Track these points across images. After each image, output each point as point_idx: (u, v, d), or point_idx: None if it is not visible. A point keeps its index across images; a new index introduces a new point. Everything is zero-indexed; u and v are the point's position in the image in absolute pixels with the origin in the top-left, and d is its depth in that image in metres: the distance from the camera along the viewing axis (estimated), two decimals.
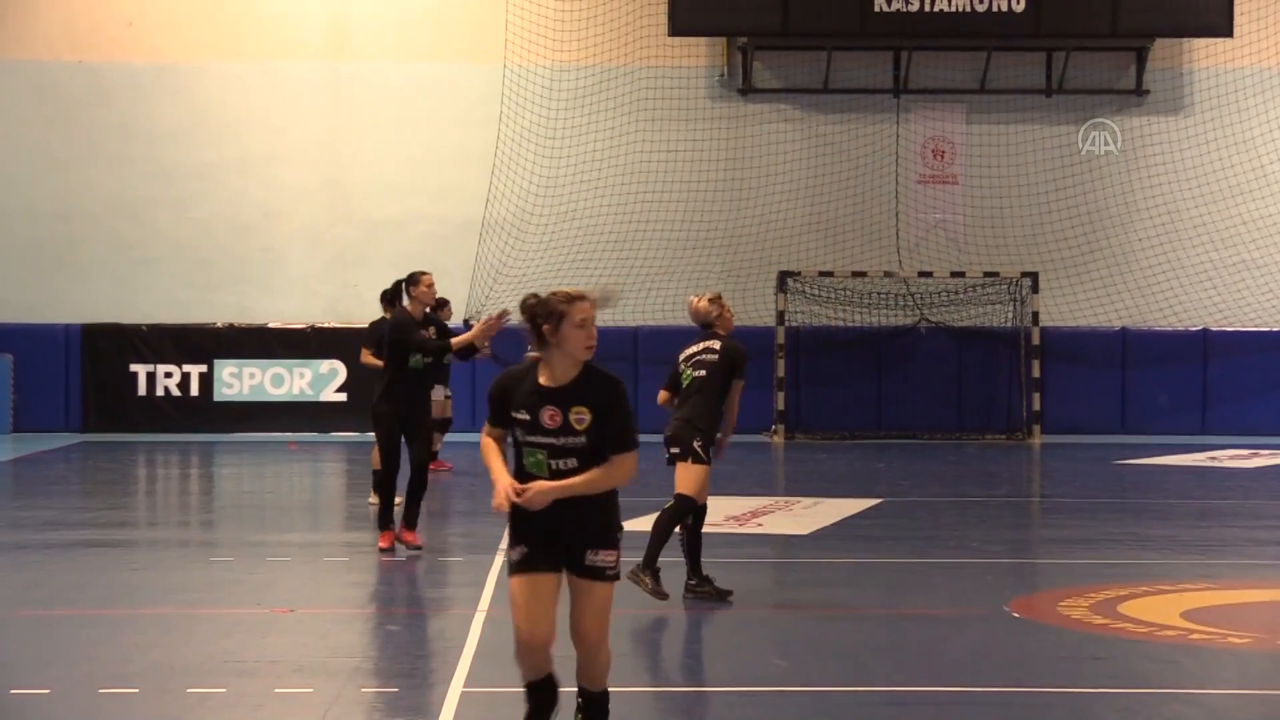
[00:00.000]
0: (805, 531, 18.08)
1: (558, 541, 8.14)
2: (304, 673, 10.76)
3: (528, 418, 8.12)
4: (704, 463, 13.38)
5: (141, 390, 32.41)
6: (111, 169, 33.00)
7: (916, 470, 26.45)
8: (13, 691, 10.34)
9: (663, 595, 13.22)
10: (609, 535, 8.23)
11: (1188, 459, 27.86)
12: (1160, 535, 18.54)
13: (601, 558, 8.17)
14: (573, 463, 8.09)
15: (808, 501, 20.97)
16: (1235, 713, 10.22)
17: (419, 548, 16.15)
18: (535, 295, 8.18)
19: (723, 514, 19.26)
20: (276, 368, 32.04)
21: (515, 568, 8.22)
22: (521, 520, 8.16)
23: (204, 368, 32.47)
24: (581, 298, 8.13)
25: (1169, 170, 33.50)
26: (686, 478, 13.33)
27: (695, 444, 13.35)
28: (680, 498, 13.34)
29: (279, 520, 19.77)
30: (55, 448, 29.44)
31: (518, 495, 8.06)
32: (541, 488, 8.05)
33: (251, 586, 14.42)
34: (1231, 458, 28.18)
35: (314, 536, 18.04)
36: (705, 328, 13.81)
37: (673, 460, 13.41)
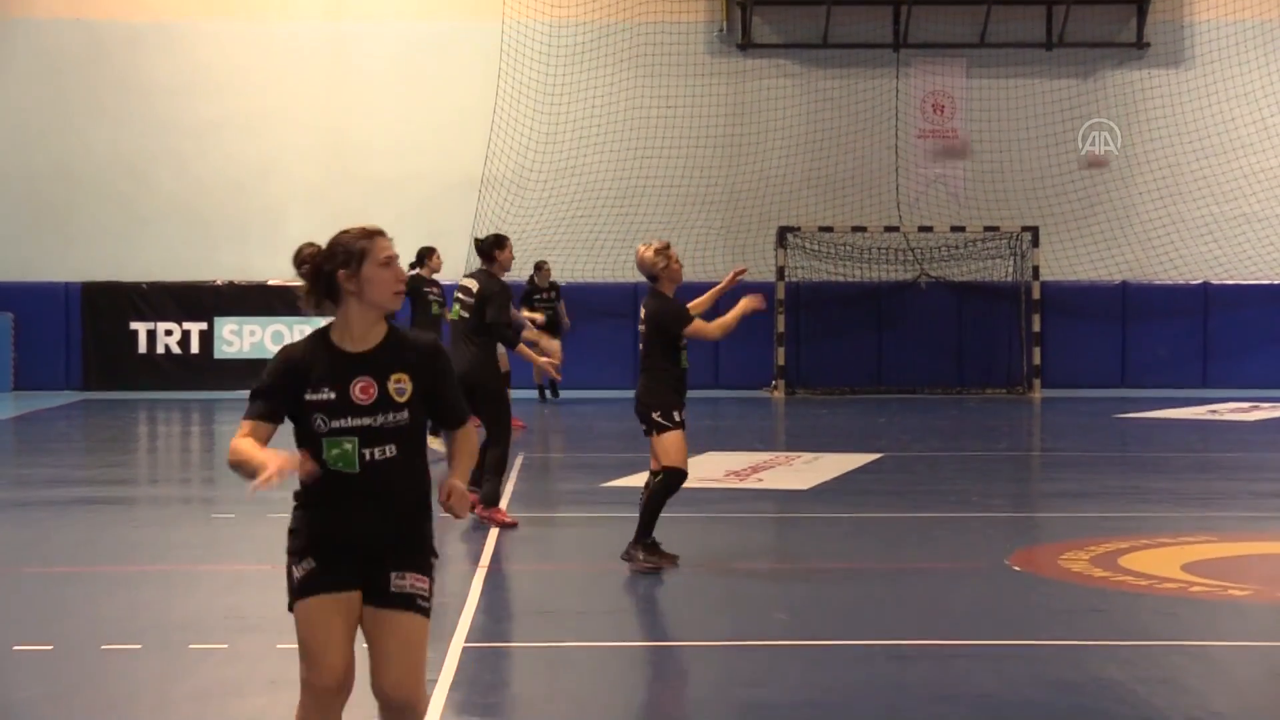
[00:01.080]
0: (806, 486, 18.08)
1: (355, 556, 6.41)
2: None
3: (332, 396, 6.37)
4: (671, 428, 12.74)
5: (142, 348, 32.42)
6: (111, 127, 32.93)
7: (917, 425, 26.46)
8: (15, 648, 10.37)
9: (671, 559, 13.00)
10: (423, 557, 6.49)
11: (1188, 412, 27.86)
12: (1160, 488, 18.56)
13: (411, 582, 6.40)
14: (391, 450, 6.38)
15: (808, 456, 20.98)
16: (1236, 665, 10.24)
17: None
18: (312, 244, 6.58)
19: (723, 469, 19.29)
20: (277, 324, 32.04)
21: (304, 588, 6.41)
22: (309, 525, 6.47)
23: (204, 325, 32.48)
24: (381, 233, 6.53)
25: (1169, 124, 33.44)
26: (663, 449, 12.77)
27: (654, 416, 12.75)
28: (667, 470, 12.81)
29: None
30: (56, 405, 29.46)
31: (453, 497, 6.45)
32: (458, 488, 6.48)
33: (253, 544, 14.44)
34: (1232, 411, 28.19)
35: None
36: (652, 280, 12.95)
37: (647, 434, 13.05)
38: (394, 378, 6.42)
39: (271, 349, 31.78)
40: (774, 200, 33.21)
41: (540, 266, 29.20)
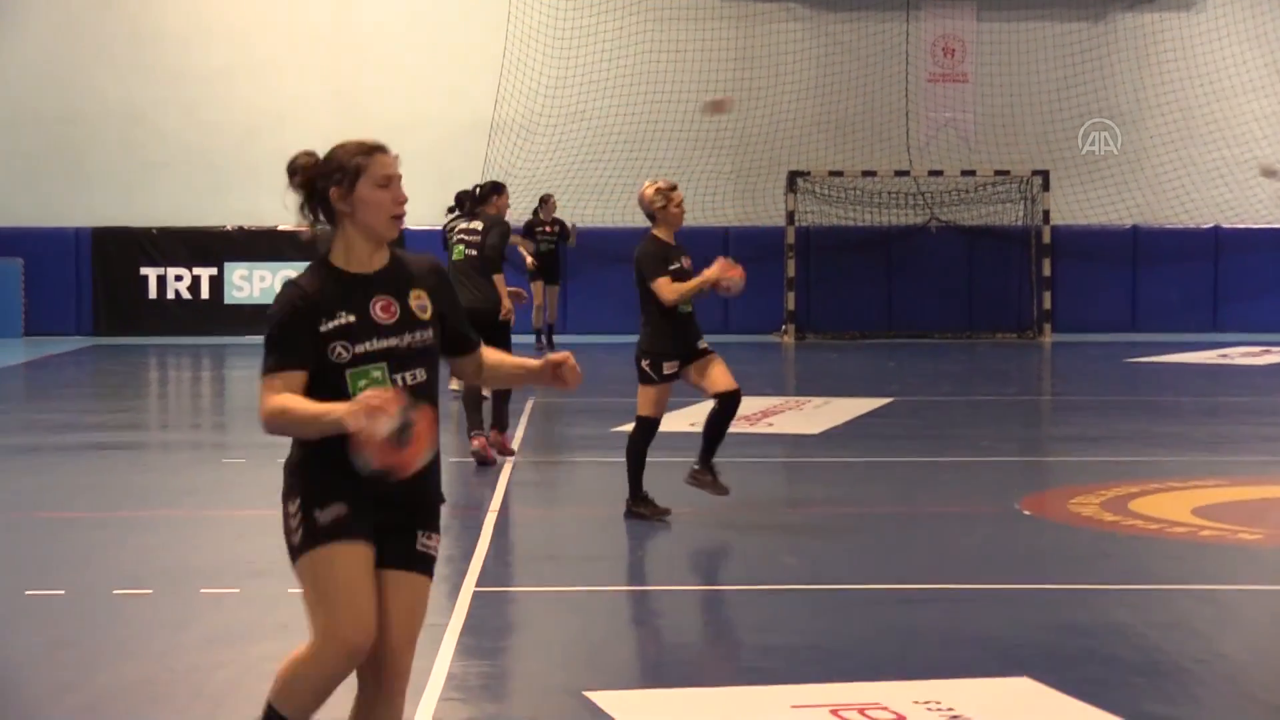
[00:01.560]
0: (816, 431, 18.08)
1: (385, 507, 5.85)
2: None
3: (352, 319, 5.81)
4: (651, 382, 12.56)
5: (152, 293, 32.41)
6: (120, 73, 32.85)
7: (927, 369, 26.46)
8: (28, 593, 10.40)
9: (663, 511, 12.85)
10: (437, 515, 6.03)
11: (1199, 357, 27.82)
12: (1171, 433, 18.55)
13: (435, 543, 5.98)
14: (421, 375, 5.88)
15: (818, 401, 20.97)
16: (1244, 608, 10.25)
17: (511, 452, 16.08)
18: (310, 152, 5.98)
19: None
20: (287, 270, 31.98)
21: (334, 531, 5.78)
22: (332, 464, 5.70)
23: (214, 270, 32.48)
24: (381, 148, 5.93)
25: (1181, 67, 33.29)
26: (640, 399, 12.66)
27: (643, 364, 12.59)
28: (638, 419, 12.71)
29: None
30: (66, 351, 29.47)
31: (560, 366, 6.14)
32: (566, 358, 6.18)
33: (264, 488, 14.39)
34: (1243, 355, 28.15)
35: None
36: (650, 219, 12.79)
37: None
38: (413, 294, 5.91)
39: None
40: (784, 145, 33.11)
41: (545, 200, 29.15)
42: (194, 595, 10.31)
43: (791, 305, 32.10)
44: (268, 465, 15.44)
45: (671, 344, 12.56)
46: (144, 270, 32.40)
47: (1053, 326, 32.21)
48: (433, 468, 5.87)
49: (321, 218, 5.96)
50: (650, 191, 12.77)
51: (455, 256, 16.15)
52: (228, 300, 32.38)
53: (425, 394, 5.87)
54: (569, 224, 29.74)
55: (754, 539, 12.33)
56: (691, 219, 29.53)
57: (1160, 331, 32.29)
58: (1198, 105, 33.27)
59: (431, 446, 5.72)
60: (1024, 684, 8.27)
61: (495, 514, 13.07)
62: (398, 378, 5.81)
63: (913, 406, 20.90)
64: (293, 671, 5.91)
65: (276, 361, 5.79)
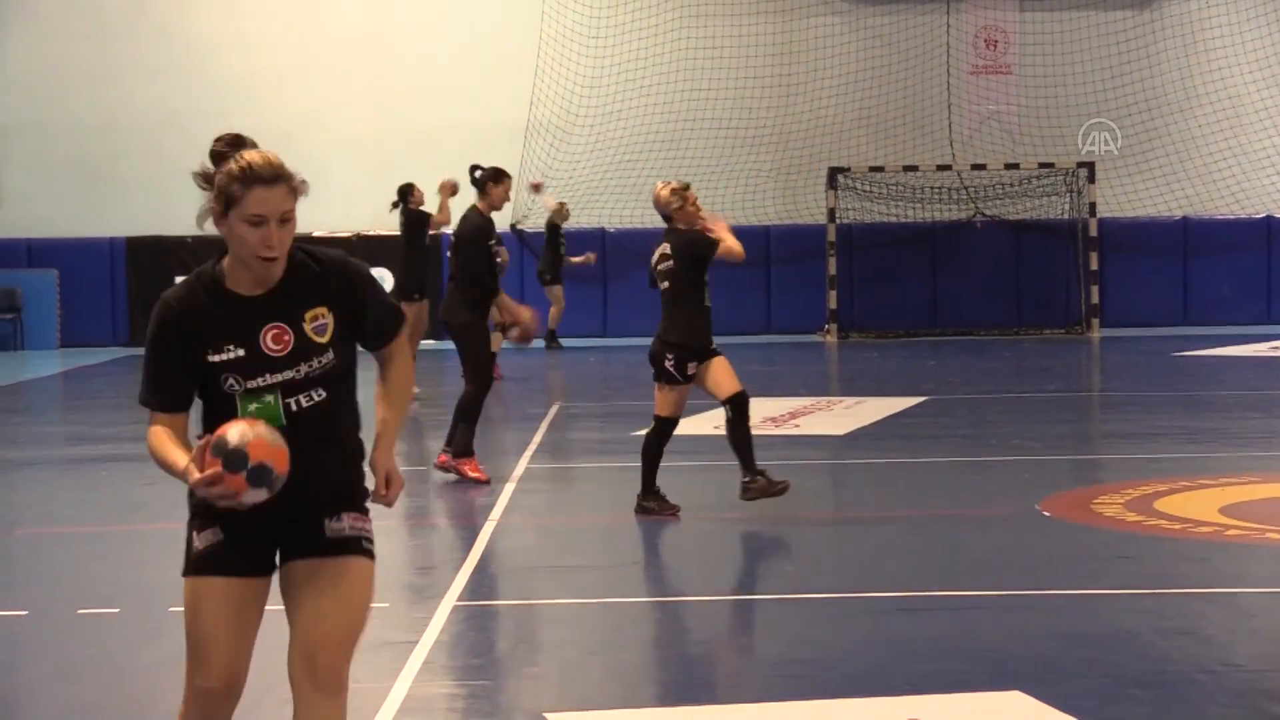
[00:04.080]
0: (842, 432, 17.57)
1: (277, 523, 5.36)
2: None
3: (242, 353, 5.30)
4: (675, 382, 12.47)
5: None
6: (152, 80, 32.60)
7: (968, 367, 25.90)
8: None
9: (673, 508, 12.60)
10: (353, 497, 5.44)
11: (1250, 350, 27.17)
12: (1210, 428, 17.98)
13: (349, 523, 5.40)
14: (320, 394, 5.34)
15: (850, 401, 20.46)
16: (1264, 613, 9.66)
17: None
18: (238, 136, 5.48)
19: (760, 415, 18.72)
20: None
21: (201, 563, 5.36)
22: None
23: None
24: (265, 180, 5.27)
25: (1230, 53, 32.62)
26: (660, 400, 12.55)
27: (666, 363, 12.49)
28: (657, 419, 12.61)
29: None
30: (99, 362, 29.21)
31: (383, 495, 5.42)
32: (390, 468, 5.43)
33: None
34: None
35: None
36: (667, 220, 12.79)
37: (655, 379, 12.70)
38: (309, 315, 5.33)
39: None
40: (824, 141, 32.58)
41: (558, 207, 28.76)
42: (161, 614, 9.84)
43: (834, 304, 31.56)
44: None
45: (699, 340, 12.48)
46: (179, 279, 31.88)
47: (1101, 321, 31.59)
48: (328, 462, 5.38)
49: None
50: (665, 193, 12.74)
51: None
52: None
53: (324, 412, 5.37)
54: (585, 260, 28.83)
55: (756, 546, 11.88)
56: (732, 218, 29.16)
57: (1212, 324, 31.62)
58: (1247, 92, 32.60)
59: (296, 463, 5.19)
60: (1014, 698, 7.75)
61: (493, 524, 12.60)
62: (291, 402, 5.32)
63: (946, 405, 20.35)
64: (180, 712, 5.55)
65: (156, 402, 5.43)
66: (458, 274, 14.78)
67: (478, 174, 15.13)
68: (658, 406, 12.59)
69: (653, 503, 12.60)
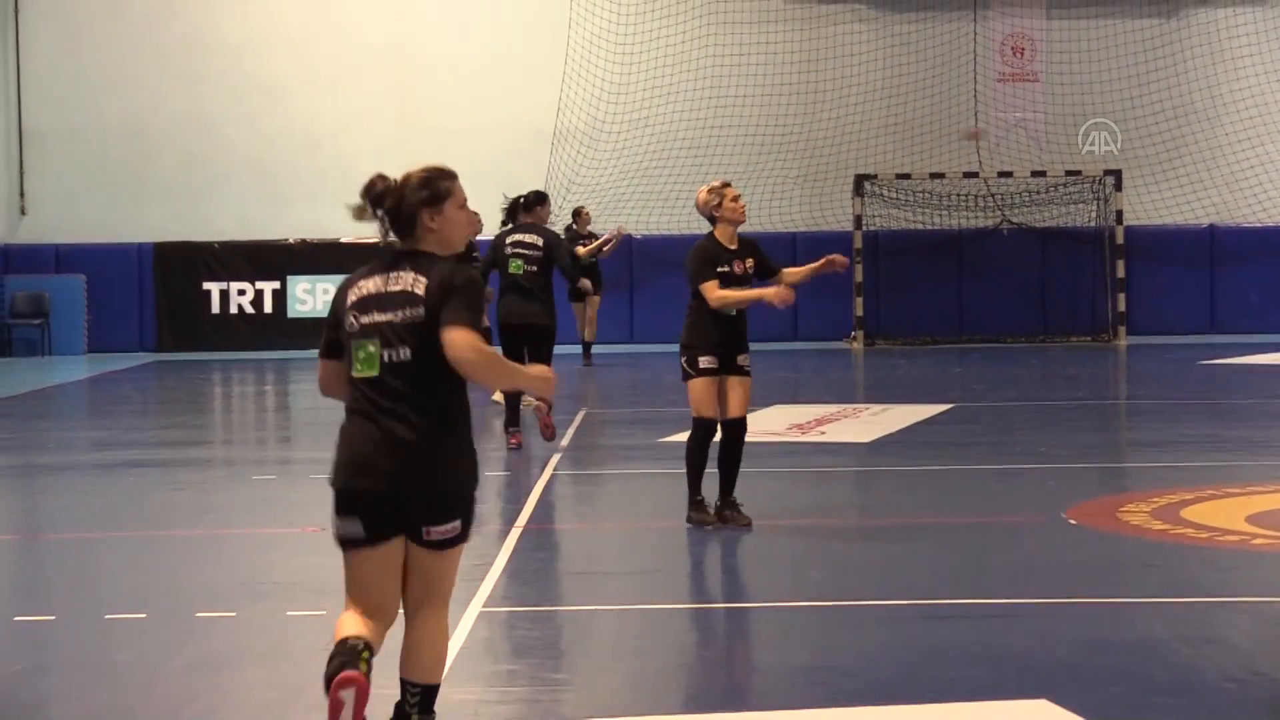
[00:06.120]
0: (868, 439, 17.55)
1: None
2: (321, 594, 10.20)
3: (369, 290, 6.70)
4: (687, 377, 12.39)
5: (215, 308, 32.23)
6: (181, 85, 32.68)
7: (994, 374, 25.88)
8: (16, 619, 10.02)
9: (712, 520, 12.44)
10: (445, 508, 6.84)
11: (1276, 358, 27.08)
12: (1237, 437, 17.94)
13: (444, 531, 6.81)
14: (405, 353, 6.58)
15: (876, 408, 20.44)
16: None
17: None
18: (384, 176, 6.76)
19: (787, 422, 18.82)
20: None
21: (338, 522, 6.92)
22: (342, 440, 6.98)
23: (277, 284, 32.25)
24: (455, 176, 6.83)
25: (1257, 62, 32.55)
26: (690, 399, 12.45)
27: (681, 362, 12.48)
28: (693, 421, 12.47)
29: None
30: (127, 367, 29.29)
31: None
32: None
33: (287, 506, 14.09)
34: None
35: None
36: (711, 223, 12.57)
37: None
38: (414, 276, 6.59)
39: None
40: (850, 148, 32.58)
41: (579, 213, 28.57)
42: (189, 619, 9.90)
43: (860, 311, 31.55)
44: (297, 482, 15.14)
45: (707, 339, 12.32)
46: (206, 285, 32.22)
47: (1128, 329, 31.53)
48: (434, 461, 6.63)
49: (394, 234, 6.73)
50: (704, 194, 12.57)
51: (512, 269, 16.33)
52: (291, 314, 32.14)
53: (408, 366, 6.62)
54: (617, 231, 28.63)
55: (781, 552, 11.83)
56: (759, 224, 29.30)
57: (1239, 333, 31.53)
58: (1274, 100, 32.54)
59: None
60: (1041, 706, 7.75)
61: (519, 529, 12.61)
62: (385, 354, 6.59)
63: (972, 413, 20.33)
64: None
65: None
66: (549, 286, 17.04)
67: (521, 200, 17.40)
68: (690, 406, 12.47)
69: (693, 512, 12.48)
